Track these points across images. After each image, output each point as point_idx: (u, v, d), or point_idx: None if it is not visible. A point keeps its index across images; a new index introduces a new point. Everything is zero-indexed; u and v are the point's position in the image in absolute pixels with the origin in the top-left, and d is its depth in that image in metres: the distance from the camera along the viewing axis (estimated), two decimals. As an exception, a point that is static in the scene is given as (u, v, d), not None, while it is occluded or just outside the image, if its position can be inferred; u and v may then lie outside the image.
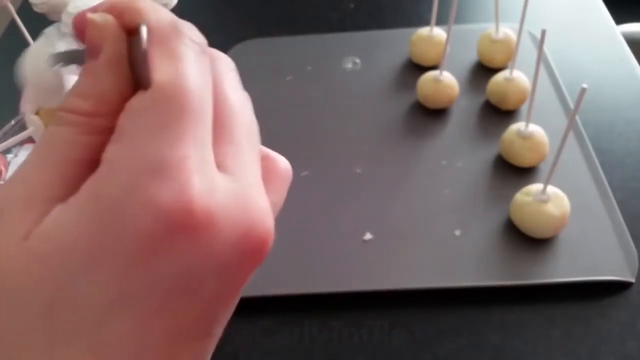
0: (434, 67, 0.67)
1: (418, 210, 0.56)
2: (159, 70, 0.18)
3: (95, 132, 0.19)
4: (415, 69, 0.70)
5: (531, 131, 0.57)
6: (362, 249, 0.53)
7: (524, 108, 0.64)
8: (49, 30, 0.36)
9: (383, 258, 0.52)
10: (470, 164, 0.60)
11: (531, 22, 0.63)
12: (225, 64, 0.22)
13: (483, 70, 0.69)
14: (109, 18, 0.19)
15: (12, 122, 0.46)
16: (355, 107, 0.67)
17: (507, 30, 0.68)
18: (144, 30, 0.19)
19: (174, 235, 0.17)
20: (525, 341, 0.47)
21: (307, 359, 0.47)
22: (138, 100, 0.18)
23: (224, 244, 0.18)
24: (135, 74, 0.19)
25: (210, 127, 0.19)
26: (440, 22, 0.68)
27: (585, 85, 0.44)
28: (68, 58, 0.24)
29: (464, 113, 0.65)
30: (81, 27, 0.20)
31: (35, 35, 0.60)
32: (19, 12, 0.59)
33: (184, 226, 0.17)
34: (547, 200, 0.51)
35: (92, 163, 0.18)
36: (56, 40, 0.35)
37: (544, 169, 0.58)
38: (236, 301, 0.20)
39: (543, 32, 0.49)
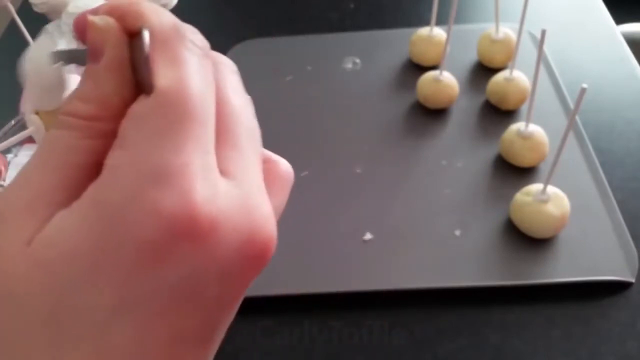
0: (434, 67, 0.67)
1: (418, 210, 0.56)
2: (162, 75, 0.18)
3: (96, 137, 0.18)
4: (415, 69, 0.70)
5: (531, 131, 0.57)
6: (362, 249, 0.53)
7: (524, 108, 0.64)
8: (51, 27, 0.36)
9: (383, 258, 0.52)
10: (470, 164, 0.60)
11: (531, 22, 0.63)
12: (227, 67, 0.22)
13: (483, 70, 0.69)
14: (111, 21, 0.19)
15: (12, 122, 0.46)
16: (355, 107, 0.67)
17: (507, 30, 0.68)
18: (146, 34, 0.18)
19: (177, 241, 0.17)
20: (525, 341, 0.47)
21: (307, 359, 0.47)
22: (141, 106, 0.18)
23: (227, 249, 0.18)
24: (137, 78, 0.19)
25: (213, 132, 0.19)
26: (440, 22, 0.68)
27: (585, 85, 0.44)
28: (69, 57, 0.24)
29: (464, 113, 0.65)
30: (82, 28, 0.20)
31: (35, 35, 0.60)
32: (19, 12, 0.59)
33: (187, 232, 0.17)
34: (547, 200, 0.51)
35: (93, 167, 0.18)
36: (57, 38, 0.35)
37: (544, 169, 0.58)
38: (238, 306, 0.20)
39: (543, 32, 0.49)
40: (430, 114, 0.65)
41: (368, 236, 0.54)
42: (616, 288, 0.50)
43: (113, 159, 0.18)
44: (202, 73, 0.19)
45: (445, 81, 0.64)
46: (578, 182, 0.57)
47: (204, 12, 0.85)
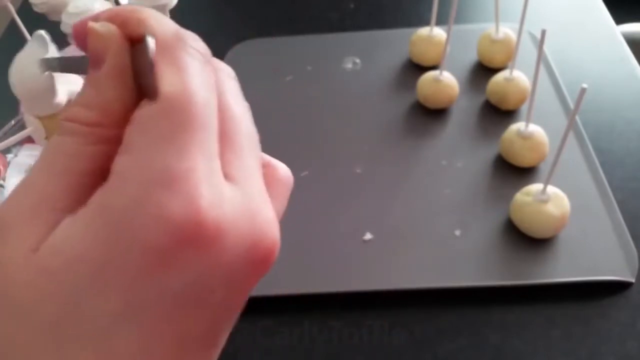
0: (434, 67, 0.67)
1: (418, 210, 0.56)
2: (166, 81, 0.18)
3: (99, 142, 0.19)
4: (415, 69, 0.70)
5: (531, 131, 0.57)
6: (362, 249, 0.53)
7: (524, 108, 0.64)
8: (37, 36, 0.36)
9: (383, 258, 0.52)
10: (470, 164, 0.60)
11: (531, 22, 0.63)
12: (226, 73, 0.22)
13: (483, 70, 0.69)
14: (112, 28, 0.19)
15: (12, 122, 0.46)
16: (355, 107, 0.67)
17: (507, 30, 0.68)
18: (150, 41, 0.19)
19: (183, 247, 0.17)
20: (525, 341, 0.47)
21: (307, 359, 0.47)
22: (145, 111, 0.18)
23: (231, 254, 0.18)
24: (139, 84, 0.19)
25: (217, 138, 0.19)
26: (440, 22, 0.68)
27: (585, 85, 0.44)
28: (60, 65, 0.24)
29: (464, 113, 0.65)
30: (81, 35, 0.20)
31: (35, 35, 0.60)
32: (19, 12, 0.59)
33: (193, 238, 0.17)
34: (547, 200, 0.51)
35: (97, 173, 0.18)
36: (45, 45, 0.35)
37: (544, 169, 0.58)
38: (241, 309, 0.20)
39: (543, 32, 0.49)
40: (430, 114, 0.65)
41: (368, 236, 0.54)
42: (616, 288, 0.50)
43: (119, 164, 0.18)
44: (204, 79, 0.19)
45: (445, 81, 0.64)
46: (578, 182, 0.57)
47: (204, 12, 0.85)
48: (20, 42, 0.59)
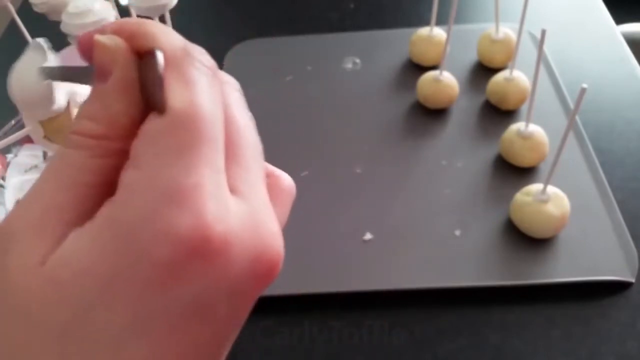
0: (434, 67, 0.67)
1: (418, 210, 0.56)
2: (174, 96, 0.18)
3: (106, 155, 0.19)
4: (415, 69, 0.70)
5: (531, 131, 0.57)
6: (362, 249, 0.53)
7: (524, 108, 0.64)
8: (35, 43, 0.36)
9: (383, 258, 0.52)
10: (470, 164, 0.60)
11: (531, 22, 0.63)
12: (231, 85, 0.22)
13: (483, 70, 0.69)
14: (119, 41, 0.19)
15: (12, 122, 0.46)
16: (355, 107, 0.67)
17: (507, 30, 0.68)
18: (160, 56, 0.19)
19: (190, 261, 0.17)
20: (525, 341, 0.47)
21: (307, 359, 0.47)
22: (153, 126, 0.18)
23: (237, 267, 0.18)
24: (146, 97, 0.19)
25: (223, 151, 0.19)
26: (440, 22, 0.68)
27: (585, 85, 0.44)
28: (60, 74, 0.24)
29: (464, 113, 0.65)
30: (87, 47, 0.20)
31: (35, 35, 0.60)
32: (19, 12, 0.59)
33: (200, 252, 0.17)
34: (547, 200, 0.51)
35: (104, 185, 0.19)
36: (44, 53, 0.35)
37: (544, 169, 0.58)
38: (244, 321, 0.20)
39: (543, 32, 0.49)
40: (430, 114, 0.65)
41: (368, 236, 0.54)
42: (616, 288, 0.50)
43: (127, 178, 0.18)
44: (212, 93, 0.19)
45: (445, 81, 0.64)
46: (578, 182, 0.57)
47: (204, 12, 0.85)
48: (21, 42, 0.59)
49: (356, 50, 0.74)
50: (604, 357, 0.46)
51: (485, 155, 0.61)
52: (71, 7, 0.53)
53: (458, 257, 0.52)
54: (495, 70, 0.67)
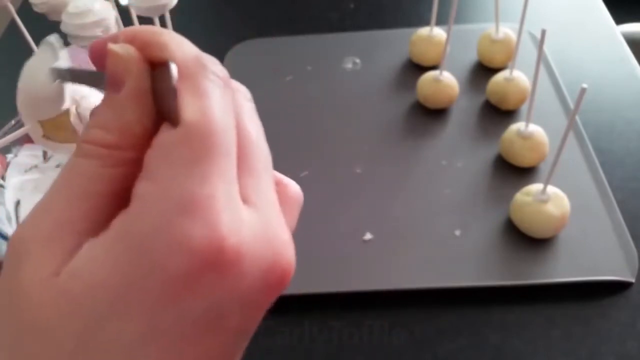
0: (434, 67, 0.67)
1: (418, 210, 0.56)
2: (187, 107, 0.18)
3: (118, 165, 0.19)
4: (415, 69, 0.70)
5: (531, 131, 0.57)
6: (362, 249, 0.53)
7: (524, 108, 0.64)
8: (50, 40, 0.36)
9: (383, 258, 0.52)
10: (470, 164, 0.60)
11: (531, 22, 0.63)
12: (242, 95, 0.22)
13: (483, 70, 0.69)
14: (132, 50, 0.19)
15: (12, 122, 0.46)
16: (355, 107, 0.67)
17: (507, 30, 0.68)
18: (173, 67, 0.19)
19: (204, 272, 0.17)
20: (525, 341, 0.47)
21: (307, 359, 0.47)
22: (167, 137, 0.18)
23: (249, 278, 0.18)
24: (159, 107, 0.19)
25: (235, 162, 0.19)
26: (440, 22, 0.68)
27: (585, 85, 0.44)
28: (71, 76, 0.24)
29: (464, 113, 0.65)
30: (99, 54, 0.20)
31: (35, 35, 0.60)
32: (19, 12, 0.59)
33: (214, 264, 0.17)
34: (547, 200, 0.51)
35: (116, 195, 0.19)
36: (57, 51, 0.35)
37: (544, 169, 0.58)
38: (255, 330, 0.20)
39: (543, 32, 0.49)
40: (430, 114, 0.65)
41: (368, 236, 0.54)
42: (616, 288, 0.50)
43: (141, 190, 0.18)
44: (225, 105, 0.19)
45: (445, 81, 0.64)
46: (578, 182, 0.57)
47: (204, 12, 0.85)
48: (20, 42, 0.59)
49: (356, 50, 0.74)
50: (604, 357, 0.46)
51: (485, 155, 0.61)
52: (71, 7, 0.53)
53: (458, 257, 0.52)
54: (495, 70, 0.67)
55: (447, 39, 0.61)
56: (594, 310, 0.49)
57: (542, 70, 0.66)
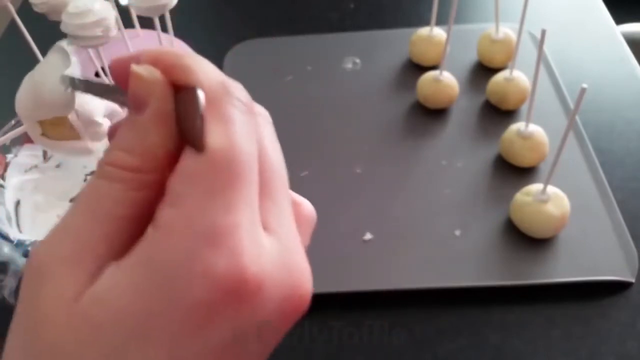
0: (434, 67, 0.67)
1: (418, 210, 0.56)
2: (213, 135, 0.18)
3: (140, 188, 0.19)
4: (415, 69, 0.70)
5: (531, 131, 0.57)
6: (362, 249, 0.53)
7: (524, 108, 0.64)
8: (62, 45, 0.36)
9: (383, 258, 0.52)
10: (470, 164, 0.60)
11: (531, 22, 0.63)
12: (264, 117, 0.22)
13: (483, 70, 0.69)
14: (157, 73, 0.19)
15: (12, 122, 0.46)
16: (355, 107, 0.67)
17: (507, 30, 0.68)
18: (201, 94, 0.18)
19: (226, 302, 0.17)
20: (525, 341, 0.47)
21: (307, 359, 0.47)
22: (192, 164, 0.18)
23: (269, 306, 0.18)
24: (182, 131, 0.19)
25: (257, 189, 0.19)
26: (440, 22, 0.68)
27: (585, 85, 0.44)
28: (85, 87, 0.24)
29: (464, 113, 0.65)
30: (121, 72, 0.20)
31: (35, 35, 0.60)
32: (19, 12, 0.59)
33: (236, 293, 0.17)
34: (547, 200, 0.51)
35: (137, 218, 0.19)
36: (68, 57, 0.35)
37: (544, 169, 0.58)
38: (270, 354, 0.21)
39: (543, 32, 0.49)
40: (430, 114, 0.65)
41: (368, 236, 0.54)
42: (616, 288, 0.50)
43: (165, 217, 0.18)
44: (249, 132, 0.19)
45: (445, 81, 0.64)
46: (578, 182, 0.57)
47: (204, 12, 0.85)
48: (20, 42, 0.59)
49: (356, 50, 0.74)
50: (604, 357, 0.46)
51: (485, 155, 0.61)
52: (71, 7, 0.53)
53: (458, 257, 0.52)
54: (495, 70, 0.67)
55: (447, 39, 0.61)
56: (594, 310, 0.49)
57: (542, 70, 0.66)
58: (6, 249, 0.38)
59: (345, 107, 0.67)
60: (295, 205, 0.23)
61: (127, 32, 0.68)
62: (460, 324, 0.49)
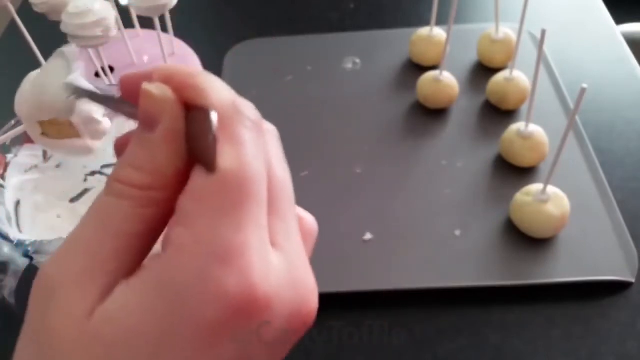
0: (434, 67, 0.67)
1: (418, 210, 0.56)
2: (223, 155, 0.18)
3: (150, 206, 0.19)
4: (415, 69, 0.70)
5: (531, 131, 0.57)
6: (362, 249, 0.53)
7: (524, 108, 0.64)
8: (64, 50, 0.36)
9: (383, 258, 0.52)
10: (470, 164, 0.60)
11: (531, 22, 0.63)
12: (272, 134, 0.22)
13: (483, 70, 0.69)
14: (168, 92, 0.19)
15: (12, 122, 0.46)
16: (355, 107, 0.67)
17: (507, 30, 0.68)
18: (214, 116, 0.19)
19: (236, 319, 0.17)
20: (525, 341, 0.47)
21: (307, 359, 0.47)
22: (203, 184, 0.18)
23: (277, 322, 0.19)
24: (191, 149, 0.19)
25: (266, 207, 0.19)
26: (440, 22, 0.68)
27: (585, 85, 0.44)
28: (89, 96, 0.24)
29: (464, 113, 0.65)
30: (131, 88, 0.20)
31: (35, 35, 0.60)
32: (19, 12, 0.59)
33: (246, 311, 0.18)
34: (547, 200, 0.51)
35: (147, 235, 0.19)
36: (71, 64, 0.35)
37: (544, 169, 0.58)
38: None
39: (543, 32, 0.49)
40: (430, 114, 0.65)
41: (368, 236, 0.54)
42: (616, 288, 0.50)
43: (176, 236, 0.18)
44: (258, 152, 0.19)
45: (445, 81, 0.64)
46: (578, 182, 0.57)
47: (204, 12, 0.85)
48: (20, 42, 0.59)
49: (356, 50, 0.74)
50: (604, 357, 0.46)
51: (485, 155, 0.61)
52: (71, 7, 0.53)
53: (458, 257, 0.52)
54: (495, 70, 0.67)
55: (447, 39, 0.61)
56: (594, 310, 0.49)
57: (542, 70, 0.66)
58: (6, 249, 0.38)
59: (345, 107, 0.67)
60: (298, 219, 0.23)
61: (127, 32, 0.68)
62: (460, 324, 0.49)
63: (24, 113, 0.38)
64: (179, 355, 0.17)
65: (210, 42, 0.77)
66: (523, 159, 0.58)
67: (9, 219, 0.44)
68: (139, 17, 0.70)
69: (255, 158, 0.19)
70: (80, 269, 0.18)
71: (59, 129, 0.39)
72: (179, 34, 0.72)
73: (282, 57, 0.74)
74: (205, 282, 0.17)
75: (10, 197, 0.46)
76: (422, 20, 0.76)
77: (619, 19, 0.81)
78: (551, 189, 0.52)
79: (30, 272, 0.40)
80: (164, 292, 0.17)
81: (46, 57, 0.46)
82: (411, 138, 0.63)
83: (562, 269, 0.50)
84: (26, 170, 0.48)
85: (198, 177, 0.18)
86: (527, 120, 0.56)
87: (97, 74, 0.64)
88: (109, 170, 0.51)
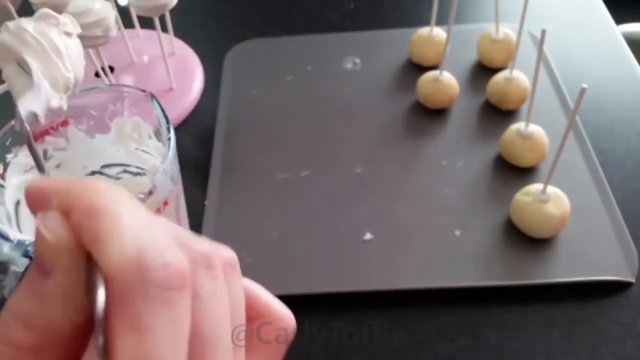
0: (434, 67, 0.67)
1: (418, 210, 0.56)
2: (120, 345, 0.15)
3: None
4: (415, 69, 0.70)
5: (531, 131, 0.57)
6: (362, 249, 0.53)
7: (524, 108, 0.64)
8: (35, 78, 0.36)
9: (383, 258, 0.52)
10: (470, 164, 0.60)
11: (531, 22, 0.63)
12: (225, 267, 0.19)
13: (483, 70, 0.69)
14: (64, 237, 0.15)
15: (12, 122, 0.46)
16: (355, 107, 0.67)
17: (507, 30, 0.68)
18: (101, 295, 0.15)
19: None
20: (525, 341, 0.47)
21: (307, 359, 0.47)
22: None
23: None
24: (92, 299, 0.16)
25: None
26: (440, 22, 0.68)
27: (585, 85, 0.44)
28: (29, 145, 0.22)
29: (464, 113, 0.65)
30: (34, 201, 0.17)
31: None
32: (19, 12, 0.59)
33: None
34: (547, 200, 0.51)
35: None
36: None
37: (544, 169, 0.58)
38: None
39: (543, 32, 0.49)
40: (430, 114, 0.65)
41: (368, 236, 0.54)
42: (616, 288, 0.50)
43: None
44: (171, 335, 0.16)
45: (445, 81, 0.64)
46: (578, 182, 0.57)
47: (204, 12, 0.85)
48: (20, 42, 0.59)
49: (356, 50, 0.74)
50: (604, 357, 0.46)
51: (485, 155, 0.61)
52: (71, 7, 0.53)
53: (458, 257, 0.52)
54: (495, 70, 0.67)
55: (447, 39, 0.61)
56: (594, 310, 0.49)
57: (542, 70, 0.66)
58: (6, 249, 0.38)
59: (345, 107, 0.67)
60: (264, 325, 0.21)
61: (127, 32, 0.68)
62: (460, 324, 0.49)
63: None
64: None
65: (210, 42, 0.77)
66: (523, 159, 0.58)
67: (9, 219, 0.44)
68: (139, 17, 0.70)
69: (162, 348, 0.15)
70: None
71: None
72: (179, 34, 0.72)
73: (282, 57, 0.74)
74: None
75: (10, 197, 0.45)
76: (422, 20, 0.76)
77: (619, 19, 0.81)
78: (551, 189, 0.52)
79: (30, 272, 0.40)
80: None
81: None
82: (411, 138, 0.63)
83: (562, 269, 0.50)
84: (26, 170, 0.48)
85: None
86: (527, 120, 0.56)
87: (97, 74, 0.64)
88: (109, 170, 0.51)
